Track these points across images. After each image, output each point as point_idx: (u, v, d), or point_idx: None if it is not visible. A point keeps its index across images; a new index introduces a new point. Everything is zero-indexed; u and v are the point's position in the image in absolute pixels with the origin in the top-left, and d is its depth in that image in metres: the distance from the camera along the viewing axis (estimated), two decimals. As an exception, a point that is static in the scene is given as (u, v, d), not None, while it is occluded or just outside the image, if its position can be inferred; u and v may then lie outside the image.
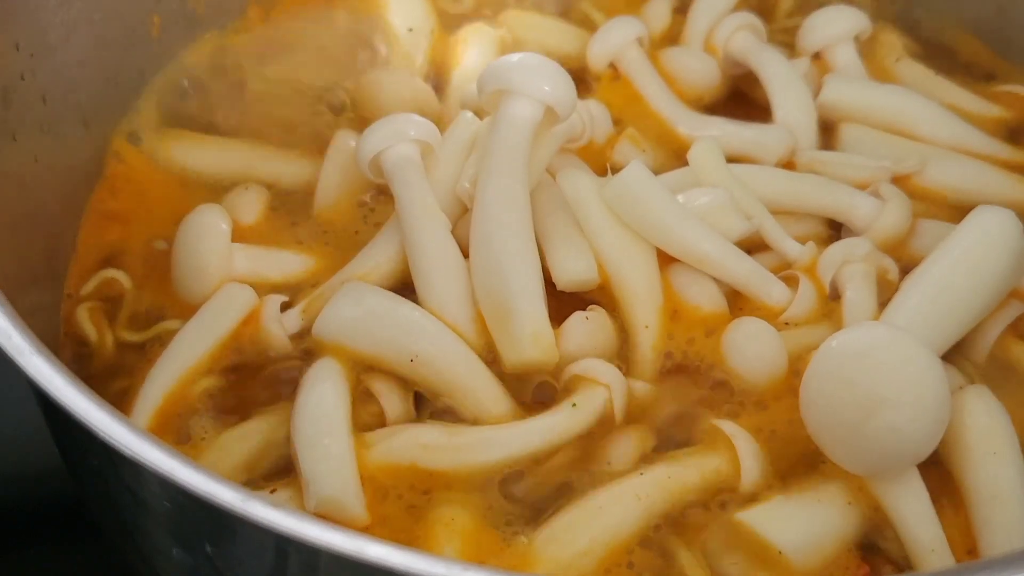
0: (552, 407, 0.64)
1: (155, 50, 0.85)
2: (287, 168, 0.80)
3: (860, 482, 0.61)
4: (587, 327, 0.67)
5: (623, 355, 0.68)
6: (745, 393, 0.66)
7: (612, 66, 0.86)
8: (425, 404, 0.66)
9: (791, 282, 0.70)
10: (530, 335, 0.65)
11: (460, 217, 0.71)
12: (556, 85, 0.69)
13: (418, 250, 0.68)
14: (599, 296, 0.69)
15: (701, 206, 0.70)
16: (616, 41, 0.86)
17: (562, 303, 0.68)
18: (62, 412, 0.49)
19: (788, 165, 0.79)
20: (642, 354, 0.68)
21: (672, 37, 0.90)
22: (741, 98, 0.87)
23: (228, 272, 0.71)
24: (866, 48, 0.89)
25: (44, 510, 0.80)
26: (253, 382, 0.68)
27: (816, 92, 0.83)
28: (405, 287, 0.69)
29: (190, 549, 0.56)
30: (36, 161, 0.72)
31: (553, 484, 0.63)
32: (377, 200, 0.77)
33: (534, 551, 0.58)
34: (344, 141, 0.79)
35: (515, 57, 0.71)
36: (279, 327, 0.69)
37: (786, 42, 0.90)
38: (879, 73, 0.88)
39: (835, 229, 0.76)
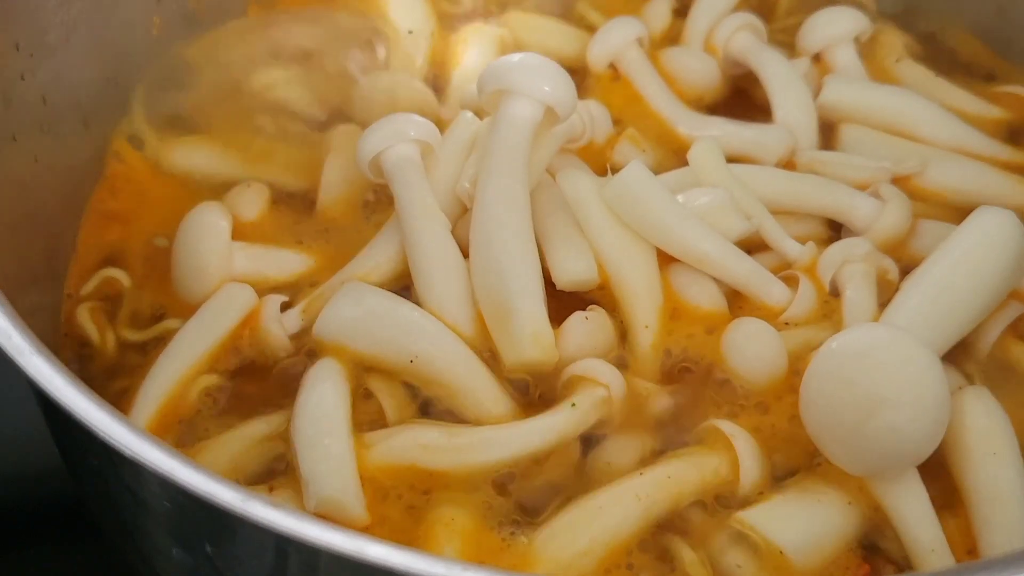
0: (552, 407, 0.64)
1: (155, 50, 0.85)
2: (288, 167, 0.80)
3: (860, 482, 0.62)
4: (587, 327, 0.67)
5: (623, 355, 0.68)
6: (745, 393, 0.66)
7: (612, 66, 0.86)
8: (425, 404, 0.66)
9: (791, 282, 0.70)
10: (530, 335, 0.65)
11: (460, 217, 0.72)
12: (556, 85, 0.69)
13: (418, 250, 0.68)
14: (599, 296, 0.69)
15: (701, 206, 0.70)
16: (616, 41, 0.86)
17: (562, 303, 0.68)
18: (62, 412, 0.49)
19: (788, 165, 0.79)
20: (642, 354, 0.68)
21: (672, 37, 0.90)
22: (741, 98, 0.87)
23: (228, 271, 0.71)
24: (866, 48, 0.89)
25: (44, 510, 0.80)
26: (253, 382, 0.68)
27: (816, 92, 0.83)
28: (405, 287, 0.69)
29: (190, 549, 0.56)
30: (36, 161, 0.72)
31: (553, 484, 0.63)
32: (379, 198, 0.77)
33: (534, 551, 0.58)
34: (345, 138, 0.79)
35: (515, 57, 0.71)
36: (279, 327, 0.69)
37: (786, 42, 0.89)
38: (879, 74, 0.88)
39: (835, 230, 0.76)
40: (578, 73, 0.81)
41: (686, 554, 0.60)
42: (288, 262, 0.74)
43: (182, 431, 0.65)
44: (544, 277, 0.67)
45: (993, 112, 0.85)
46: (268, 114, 0.85)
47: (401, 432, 0.63)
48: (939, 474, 0.62)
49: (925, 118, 0.82)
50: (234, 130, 0.83)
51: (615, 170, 0.70)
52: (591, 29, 0.90)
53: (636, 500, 0.61)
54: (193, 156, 0.81)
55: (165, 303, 0.72)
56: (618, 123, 0.82)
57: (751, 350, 0.66)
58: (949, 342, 0.66)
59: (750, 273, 0.69)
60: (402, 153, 0.71)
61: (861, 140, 0.81)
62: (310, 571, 0.52)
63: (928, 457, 0.60)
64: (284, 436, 0.64)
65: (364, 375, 0.66)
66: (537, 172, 0.72)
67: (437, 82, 0.87)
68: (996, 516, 0.60)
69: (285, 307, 0.70)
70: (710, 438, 0.64)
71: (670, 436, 0.65)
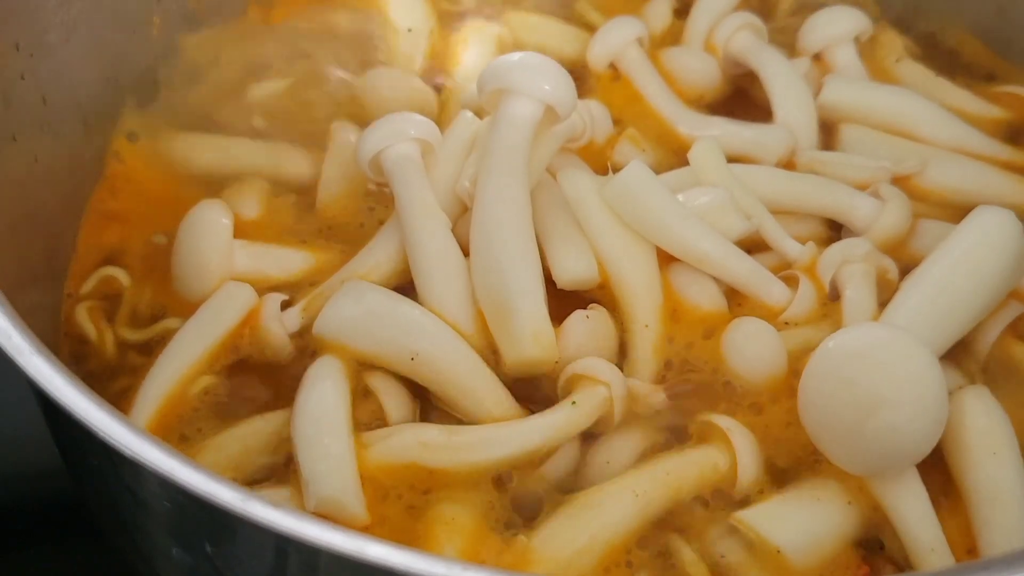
0: (552, 406, 0.64)
1: (155, 50, 0.85)
2: (288, 166, 0.80)
3: (860, 482, 0.62)
4: (587, 326, 0.67)
5: (623, 354, 0.68)
6: (745, 393, 0.66)
7: (612, 66, 0.86)
8: (426, 403, 0.66)
9: (791, 282, 0.70)
10: (530, 334, 0.65)
11: (460, 216, 0.72)
12: (556, 84, 0.69)
13: (418, 249, 0.68)
14: (599, 295, 0.69)
15: (701, 206, 0.70)
16: (616, 41, 0.86)
17: (562, 302, 0.68)
18: (62, 412, 0.49)
19: (788, 165, 0.79)
20: (642, 353, 0.68)
21: (672, 37, 0.90)
22: (741, 98, 0.87)
23: (229, 270, 0.71)
24: (866, 48, 0.89)
25: (44, 510, 0.80)
26: (253, 381, 0.68)
27: (816, 92, 0.83)
28: (406, 286, 0.69)
29: (190, 549, 0.56)
30: (36, 161, 0.72)
31: (553, 483, 0.63)
32: (380, 197, 0.77)
33: (533, 550, 0.58)
34: (345, 136, 0.79)
35: (515, 56, 0.71)
36: (279, 326, 0.69)
37: (786, 42, 0.89)
38: (879, 74, 0.88)
39: (835, 230, 0.76)
40: (578, 72, 0.81)
41: (685, 552, 0.60)
42: (289, 261, 0.74)
43: (182, 430, 0.65)
44: (544, 276, 0.67)
45: (993, 112, 0.85)
46: (268, 113, 0.85)
47: (401, 431, 0.63)
48: (939, 473, 0.62)
49: (925, 118, 0.82)
50: (234, 129, 0.83)
51: (615, 170, 0.71)
52: (591, 28, 0.90)
53: (634, 497, 0.61)
54: (193, 155, 0.81)
55: (165, 302, 0.72)
56: (618, 123, 0.82)
57: (751, 350, 0.66)
58: (949, 342, 0.66)
59: (750, 273, 0.69)
60: (402, 152, 0.71)
61: (861, 140, 0.81)
62: (310, 571, 0.52)
63: (928, 456, 0.60)
64: (284, 435, 0.64)
65: (364, 374, 0.66)
66: (537, 171, 0.72)
67: (436, 81, 0.87)
68: (996, 516, 0.60)
69: (285, 306, 0.70)
70: (708, 434, 0.64)
71: (670, 435, 0.65)
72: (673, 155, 0.80)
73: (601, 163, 0.77)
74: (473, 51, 0.88)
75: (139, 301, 0.73)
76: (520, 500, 0.62)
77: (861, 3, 0.91)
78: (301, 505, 0.60)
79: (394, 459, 0.61)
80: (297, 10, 0.92)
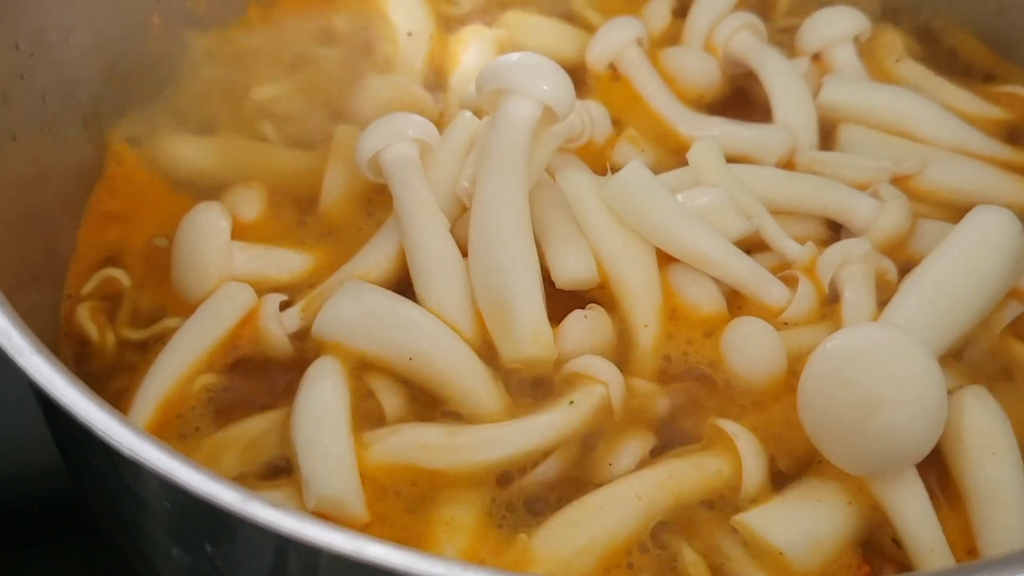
0: (551, 405, 0.64)
1: (155, 50, 0.85)
2: (288, 167, 0.80)
3: (860, 482, 0.61)
4: (586, 325, 0.67)
5: (622, 354, 0.68)
6: (744, 393, 0.66)
7: (612, 66, 0.86)
8: (425, 403, 0.66)
9: (790, 282, 0.70)
10: (529, 333, 0.65)
11: (459, 216, 0.72)
12: (555, 84, 0.70)
13: (417, 249, 0.68)
14: (598, 295, 0.69)
15: (701, 206, 0.70)
16: (615, 41, 0.86)
17: (561, 302, 0.68)
18: (62, 412, 0.49)
19: (788, 165, 0.79)
20: (641, 353, 0.68)
21: (672, 37, 0.90)
22: (741, 98, 0.87)
23: (228, 270, 0.71)
24: (866, 48, 0.89)
25: (44, 510, 0.80)
26: (252, 381, 0.68)
27: (816, 92, 0.83)
28: (404, 286, 0.69)
29: (190, 549, 0.56)
30: (36, 161, 0.72)
31: (552, 483, 0.63)
32: (379, 197, 0.77)
33: (533, 550, 0.58)
34: (346, 137, 0.79)
35: (514, 56, 0.71)
36: (278, 326, 0.69)
37: (786, 42, 0.89)
38: (879, 73, 0.88)
39: (834, 230, 0.76)
40: (577, 73, 0.81)
41: (687, 554, 0.60)
42: (288, 262, 0.74)
43: (181, 430, 0.65)
44: (543, 276, 0.67)
45: (993, 112, 0.85)
46: (268, 115, 0.85)
47: (401, 431, 0.63)
48: (939, 473, 0.62)
49: (925, 118, 0.82)
50: (234, 130, 0.83)
51: (615, 170, 0.71)
52: (590, 29, 0.90)
53: (636, 499, 0.61)
54: (193, 156, 0.81)
55: (165, 302, 0.72)
56: (618, 123, 0.82)
57: (750, 350, 0.66)
58: (948, 341, 0.66)
59: (750, 273, 0.69)
60: (401, 152, 0.71)
61: (861, 140, 0.81)
62: (310, 571, 0.52)
63: (928, 456, 0.60)
64: (284, 435, 0.64)
65: (364, 374, 0.66)
66: (536, 171, 0.72)
67: (436, 83, 0.87)
68: (996, 516, 0.60)
69: (284, 306, 0.70)
70: (712, 438, 0.64)
71: (670, 436, 0.65)
72: (673, 155, 0.80)
73: (600, 163, 0.77)
74: (472, 52, 0.88)
75: (139, 301, 0.73)
76: (520, 500, 0.62)
77: (861, 3, 0.91)
78: (301, 505, 0.60)
79: (394, 459, 0.61)
80: (297, 11, 0.92)
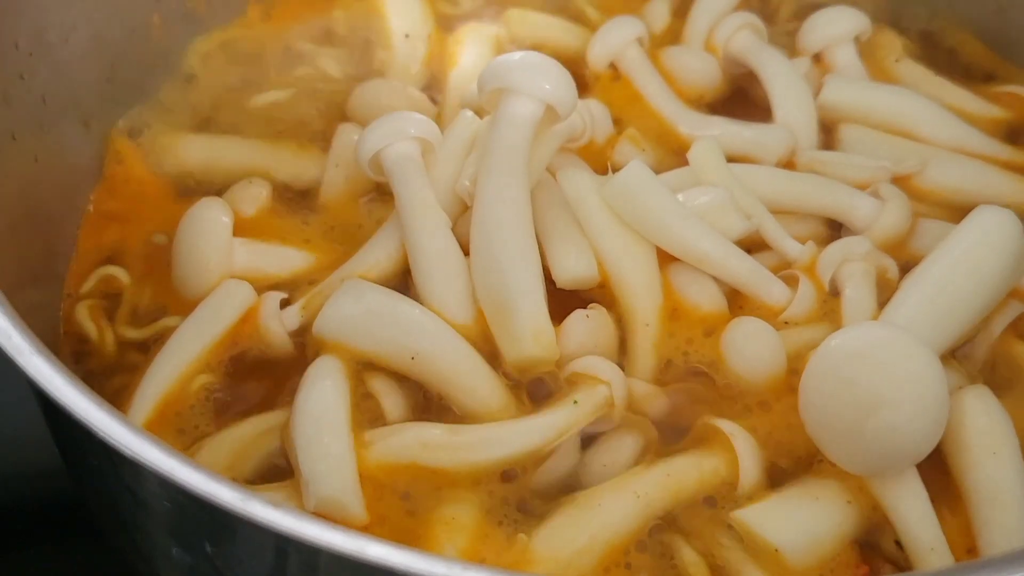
0: (553, 405, 0.64)
1: (155, 50, 0.85)
2: (288, 166, 0.80)
3: (859, 481, 0.62)
4: (587, 325, 0.67)
5: (623, 353, 0.68)
6: (744, 392, 0.66)
7: (612, 66, 0.86)
8: (426, 402, 0.66)
9: (791, 281, 0.70)
10: (531, 333, 0.65)
11: (460, 215, 0.71)
12: (556, 84, 0.69)
13: (418, 248, 0.68)
14: (599, 295, 0.69)
15: (701, 205, 0.70)
16: (616, 41, 0.86)
17: (562, 302, 0.68)
18: (62, 412, 0.49)
19: (788, 165, 0.79)
20: (642, 353, 0.68)
21: (672, 36, 0.90)
22: (741, 98, 0.87)
23: (228, 267, 0.71)
24: (866, 48, 0.89)
25: (44, 510, 0.80)
26: (252, 379, 0.68)
27: (816, 92, 0.83)
28: (405, 285, 0.69)
29: (190, 549, 0.56)
30: (36, 161, 0.72)
31: (553, 482, 0.63)
32: (380, 196, 0.77)
33: (533, 549, 0.58)
34: (347, 136, 0.79)
35: (515, 56, 0.71)
36: (278, 324, 0.69)
37: (786, 42, 0.89)
38: (879, 73, 0.88)
39: (835, 229, 0.76)
40: (578, 72, 0.81)
41: (685, 553, 0.60)
42: (289, 259, 0.74)
43: (180, 429, 0.65)
44: (545, 276, 0.67)
45: (993, 112, 0.85)
46: (267, 114, 0.85)
47: (401, 430, 0.63)
48: (939, 473, 0.62)
49: (925, 118, 0.82)
50: (234, 130, 0.83)
51: (615, 169, 0.70)
52: (590, 26, 0.90)
53: (635, 498, 0.61)
54: (192, 156, 0.80)
55: (165, 301, 0.72)
56: (618, 122, 0.82)
57: (750, 349, 0.66)
58: (949, 341, 0.66)
59: (750, 272, 0.69)
60: (402, 151, 0.71)
61: (861, 140, 0.81)
62: (310, 571, 0.52)
63: (928, 456, 0.60)
64: (284, 434, 0.64)
65: (364, 373, 0.66)
66: (537, 171, 0.72)
67: (435, 83, 0.87)
68: (996, 516, 0.60)
69: (285, 304, 0.70)
70: (709, 437, 0.64)
71: (670, 435, 0.65)
72: (673, 155, 0.80)
73: (601, 163, 0.76)
74: (471, 51, 0.88)
75: (139, 300, 0.73)
76: (520, 500, 0.62)
77: (861, 3, 0.91)
78: (301, 505, 0.60)
79: (394, 458, 0.61)
80: (297, 11, 0.92)
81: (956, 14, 0.94)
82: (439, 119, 0.83)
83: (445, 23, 0.92)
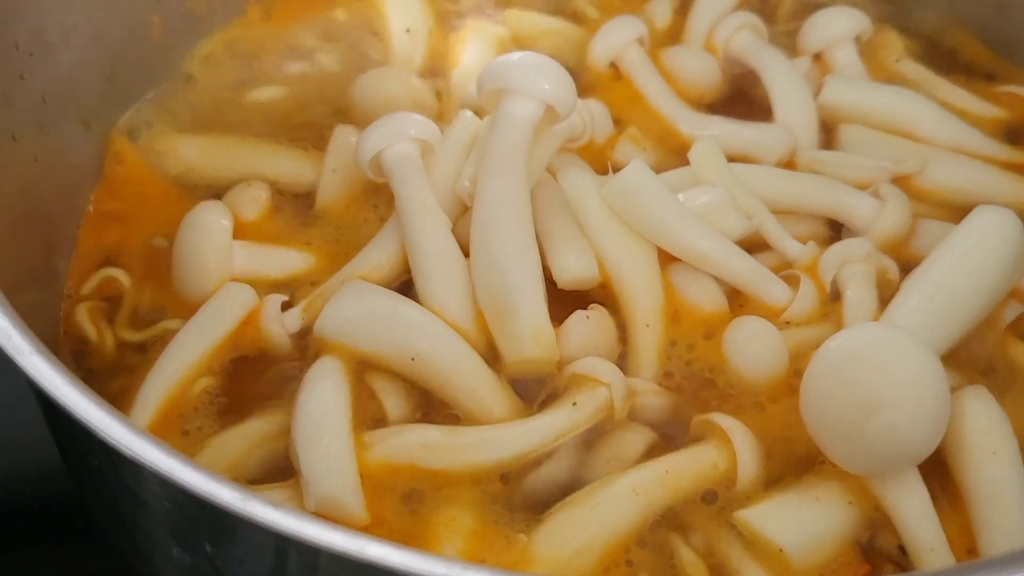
0: (553, 406, 0.64)
1: (155, 50, 0.85)
2: (289, 166, 0.80)
3: (860, 481, 0.61)
4: (588, 326, 0.67)
5: (623, 354, 0.68)
6: (746, 392, 0.66)
7: (613, 65, 0.86)
8: (426, 403, 0.66)
9: (792, 282, 0.70)
10: (531, 333, 0.65)
11: (460, 216, 0.71)
12: (556, 84, 0.69)
13: (418, 249, 0.68)
14: (600, 295, 0.69)
15: (701, 205, 0.70)
16: (617, 41, 0.86)
17: (563, 302, 0.68)
18: (62, 412, 0.49)
19: (789, 165, 0.79)
20: (643, 353, 0.68)
21: (673, 36, 0.90)
22: (742, 97, 0.87)
23: (229, 270, 0.71)
24: (866, 48, 0.89)
25: (44, 510, 0.80)
26: (253, 381, 0.68)
27: (816, 92, 0.83)
28: (406, 286, 0.69)
29: (190, 549, 0.56)
30: (36, 161, 0.72)
31: (553, 483, 0.63)
32: (380, 196, 0.77)
33: (533, 549, 0.58)
34: (345, 137, 0.79)
35: (515, 56, 0.71)
36: (279, 326, 0.69)
37: (786, 42, 0.89)
38: (879, 73, 0.88)
39: (835, 229, 0.76)
40: (578, 72, 0.81)
41: (685, 552, 0.60)
42: (289, 261, 0.74)
43: (182, 431, 0.65)
44: (545, 276, 0.67)
45: (993, 112, 0.85)
46: (268, 114, 0.85)
47: (402, 431, 0.63)
48: (939, 473, 0.62)
49: (925, 118, 0.82)
50: (234, 130, 0.83)
51: (616, 169, 0.70)
52: (590, 26, 0.90)
53: (634, 496, 0.61)
54: (193, 156, 0.80)
55: (165, 303, 0.72)
56: (619, 122, 0.82)
57: (752, 349, 0.66)
58: (949, 341, 0.66)
59: (751, 273, 0.69)
60: (402, 152, 0.71)
61: (861, 140, 0.81)
62: (310, 571, 0.51)
63: (928, 456, 0.60)
64: (284, 435, 0.64)
65: (365, 374, 0.66)
66: (537, 171, 0.72)
67: (436, 81, 0.87)
68: (996, 516, 0.60)
69: (286, 306, 0.70)
70: (708, 433, 0.64)
71: (671, 435, 0.65)
72: (673, 155, 0.80)
73: (601, 163, 0.76)
74: (472, 50, 0.88)
75: (139, 302, 0.73)
76: (521, 500, 0.62)
77: (861, 3, 0.91)
78: (301, 505, 0.60)
79: (395, 459, 0.61)
80: (297, 10, 0.92)
81: (956, 14, 0.94)
82: (440, 114, 0.83)
83: (445, 20, 0.92)
